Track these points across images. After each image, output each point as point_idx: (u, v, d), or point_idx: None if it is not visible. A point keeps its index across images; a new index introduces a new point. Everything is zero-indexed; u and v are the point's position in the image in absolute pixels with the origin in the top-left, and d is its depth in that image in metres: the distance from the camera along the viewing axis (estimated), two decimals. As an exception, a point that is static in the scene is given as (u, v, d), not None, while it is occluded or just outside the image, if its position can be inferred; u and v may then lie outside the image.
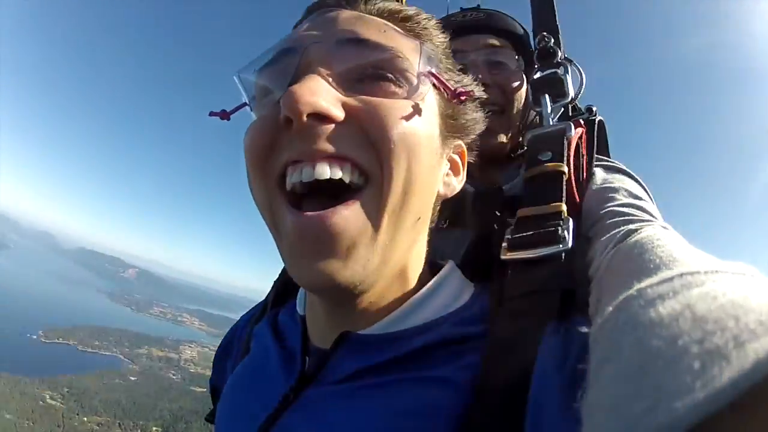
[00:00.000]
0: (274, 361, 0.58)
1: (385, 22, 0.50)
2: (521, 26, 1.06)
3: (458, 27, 0.99)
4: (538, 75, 0.96)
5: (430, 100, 0.50)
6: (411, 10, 0.53)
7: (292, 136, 0.43)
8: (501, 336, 0.45)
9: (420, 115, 0.47)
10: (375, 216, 0.43)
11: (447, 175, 0.57)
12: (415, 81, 0.48)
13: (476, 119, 0.59)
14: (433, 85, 0.50)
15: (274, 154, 0.45)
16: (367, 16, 0.50)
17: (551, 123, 0.86)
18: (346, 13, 0.50)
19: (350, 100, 0.44)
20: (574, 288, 0.48)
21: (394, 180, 0.43)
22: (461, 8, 1.11)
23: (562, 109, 0.93)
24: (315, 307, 0.55)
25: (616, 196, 0.69)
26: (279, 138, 0.44)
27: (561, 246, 0.53)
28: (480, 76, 0.84)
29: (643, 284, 0.33)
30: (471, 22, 1.02)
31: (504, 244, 0.58)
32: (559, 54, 0.95)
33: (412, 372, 0.46)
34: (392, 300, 0.50)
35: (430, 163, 0.49)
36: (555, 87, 0.92)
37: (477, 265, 0.61)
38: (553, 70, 0.94)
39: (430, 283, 0.53)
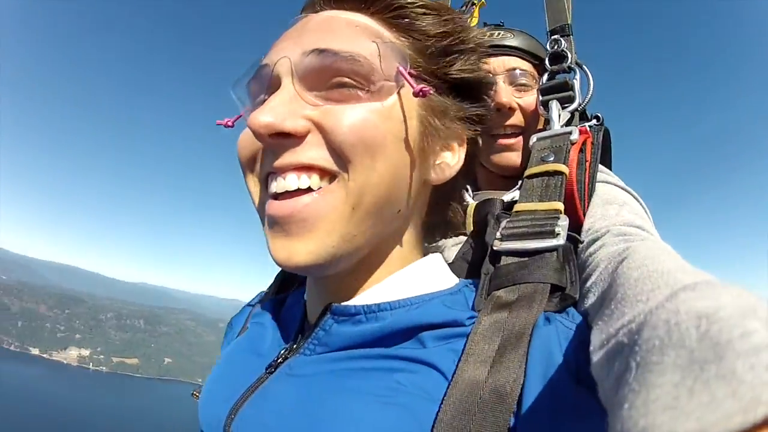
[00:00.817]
0: (269, 338, 0.61)
1: (359, 19, 0.50)
2: (544, 47, 1.05)
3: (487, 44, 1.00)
4: (546, 80, 0.96)
5: (402, 97, 0.50)
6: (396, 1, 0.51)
7: (265, 151, 0.49)
8: (489, 325, 0.45)
9: (383, 115, 0.47)
10: (336, 207, 0.46)
11: (439, 164, 0.56)
12: (378, 83, 0.48)
13: (476, 112, 0.58)
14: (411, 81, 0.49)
15: (258, 163, 0.51)
16: (338, 16, 0.51)
17: (557, 128, 0.85)
18: (318, 17, 0.51)
19: (312, 112, 0.46)
20: (563, 286, 0.49)
21: (356, 179, 0.46)
22: (484, 23, 1.14)
23: (570, 115, 0.91)
24: (311, 288, 0.59)
25: (621, 212, 0.69)
26: (258, 150, 0.50)
27: (555, 241, 0.53)
28: (504, 99, 0.94)
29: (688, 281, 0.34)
30: (500, 41, 1.04)
31: (497, 235, 0.58)
32: (569, 58, 0.95)
33: (398, 351, 0.46)
34: (375, 279, 0.53)
35: (404, 160, 0.49)
36: (563, 92, 0.92)
37: (472, 264, 0.61)
38: (563, 76, 0.95)
39: (414, 264, 0.55)
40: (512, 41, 1.04)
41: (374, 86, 0.48)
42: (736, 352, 0.24)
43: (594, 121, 0.92)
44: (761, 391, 0.21)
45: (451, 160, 0.57)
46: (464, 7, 1.23)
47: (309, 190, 0.46)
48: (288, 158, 0.46)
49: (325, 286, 0.55)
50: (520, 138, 0.99)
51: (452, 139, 0.57)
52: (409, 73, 0.48)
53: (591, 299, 0.51)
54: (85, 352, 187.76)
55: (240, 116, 0.56)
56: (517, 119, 0.99)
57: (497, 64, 1.02)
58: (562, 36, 0.98)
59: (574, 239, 0.60)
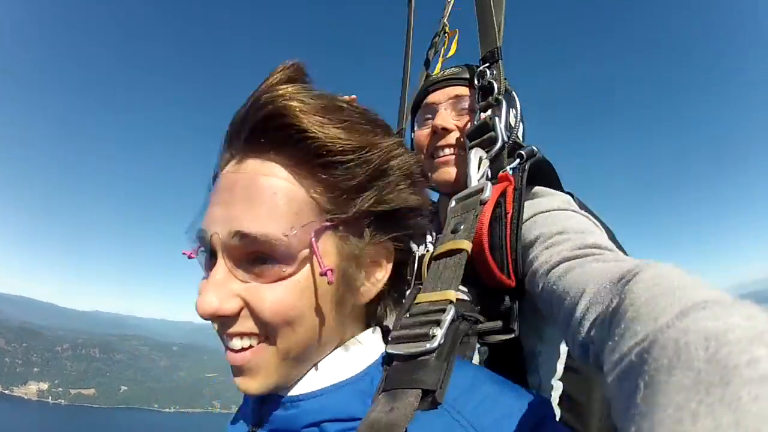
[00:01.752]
0: None
1: (276, 180, 0.54)
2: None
3: (433, 81, 1.13)
4: (468, 126, 0.98)
5: (314, 259, 0.55)
6: (299, 128, 0.52)
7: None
8: (372, 422, 0.52)
9: (299, 289, 0.55)
10: (269, 360, 0.57)
11: (365, 287, 0.61)
12: (294, 256, 0.54)
13: (399, 234, 0.62)
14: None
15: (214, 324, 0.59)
16: (258, 180, 0.54)
17: (475, 182, 0.85)
18: (243, 179, 0.55)
19: (242, 290, 0.54)
20: (433, 389, 0.54)
21: (281, 343, 0.56)
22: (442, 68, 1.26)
23: (489, 161, 0.91)
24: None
25: (564, 244, 0.72)
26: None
27: (428, 345, 0.58)
28: (438, 122, 1.03)
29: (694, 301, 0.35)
30: (444, 77, 1.12)
31: (389, 337, 0.63)
32: (496, 88, 0.96)
33: None
34: (306, 372, 0.61)
35: (322, 318, 0.57)
36: (484, 135, 0.91)
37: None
38: (482, 120, 0.95)
39: (336, 351, 0.62)
40: (458, 74, 1.11)
41: (291, 260, 0.54)
42: (743, 379, 0.24)
43: (517, 161, 0.88)
44: (763, 425, 0.22)
45: (379, 275, 0.62)
46: (437, 37, 1.38)
47: (250, 346, 0.57)
48: (230, 329, 0.56)
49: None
50: (454, 156, 1.03)
51: (377, 261, 0.61)
52: (324, 225, 0.55)
53: (588, 321, 0.56)
54: (44, 386, 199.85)
55: (196, 250, 0.63)
56: (450, 139, 1.03)
57: (442, 94, 1.10)
58: (491, 64, 0.99)
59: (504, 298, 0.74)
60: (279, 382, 0.59)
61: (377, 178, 0.57)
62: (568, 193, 0.92)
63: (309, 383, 0.60)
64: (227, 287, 0.55)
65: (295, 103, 0.51)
